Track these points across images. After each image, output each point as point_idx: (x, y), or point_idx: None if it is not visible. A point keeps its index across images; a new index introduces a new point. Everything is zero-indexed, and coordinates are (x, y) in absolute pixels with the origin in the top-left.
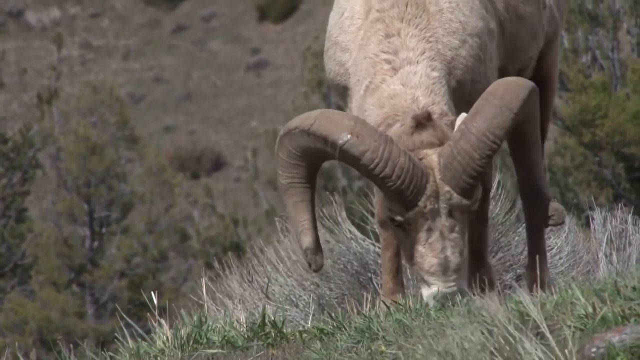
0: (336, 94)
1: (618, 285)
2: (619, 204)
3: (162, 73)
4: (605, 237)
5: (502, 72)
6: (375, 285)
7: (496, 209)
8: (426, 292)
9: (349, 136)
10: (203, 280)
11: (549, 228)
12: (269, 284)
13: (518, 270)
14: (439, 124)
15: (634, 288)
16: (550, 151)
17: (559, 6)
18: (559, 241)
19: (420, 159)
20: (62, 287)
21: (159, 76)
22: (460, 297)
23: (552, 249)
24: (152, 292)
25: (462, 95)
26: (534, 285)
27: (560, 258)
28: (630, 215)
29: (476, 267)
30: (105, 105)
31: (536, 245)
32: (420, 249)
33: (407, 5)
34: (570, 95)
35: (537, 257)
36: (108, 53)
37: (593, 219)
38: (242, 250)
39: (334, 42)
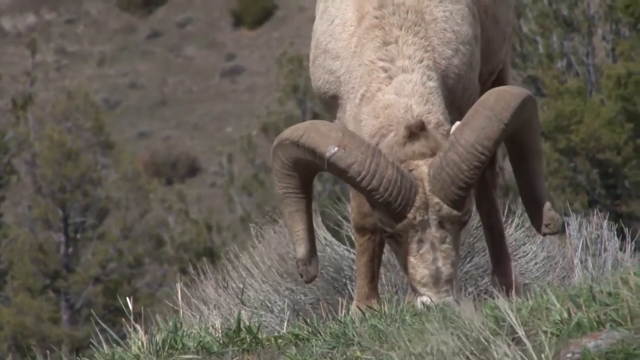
0: (322, 105)
1: (593, 290)
2: (594, 210)
3: (137, 79)
4: (581, 242)
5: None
6: (350, 291)
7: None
8: (419, 303)
9: (336, 148)
10: (178, 286)
11: (524, 235)
12: (244, 290)
13: (492, 276)
14: (432, 134)
15: (609, 293)
16: None
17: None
18: (534, 247)
19: (411, 170)
20: (37, 293)
21: (134, 82)
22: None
23: (527, 254)
24: (128, 298)
25: (453, 102)
26: (509, 291)
27: (535, 263)
28: (605, 221)
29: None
30: (80, 111)
31: (500, 250)
32: (412, 260)
33: (407, 13)
34: (546, 101)
35: (507, 262)
36: (83, 59)
37: (568, 224)
38: (216, 256)
39: (324, 50)
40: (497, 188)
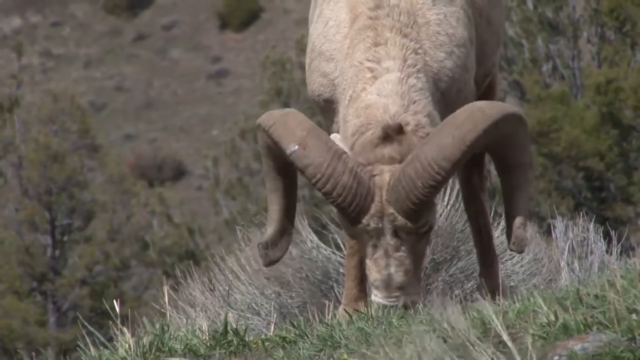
0: (319, 111)
1: (580, 293)
2: (581, 212)
3: (123, 81)
4: (567, 245)
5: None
6: (337, 293)
7: (456, 217)
8: (373, 300)
9: (296, 147)
10: (165, 289)
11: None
12: (231, 292)
13: (479, 279)
14: (408, 138)
15: (596, 296)
16: None
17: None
18: None
19: (374, 175)
20: (24, 296)
21: (119, 85)
22: (409, 308)
23: (513, 257)
24: (114, 300)
25: (447, 104)
26: (496, 293)
27: (522, 266)
28: (592, 224)
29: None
30: (66, 114)
31: (487, 252)
32: (367, 261)
33: (400, 15)
34: (528, 107)
35: (495, 265)
36: (69, 61)
37: (555, 227)
38: (199, 259)
39: (319, 52)
40: (485, 191)
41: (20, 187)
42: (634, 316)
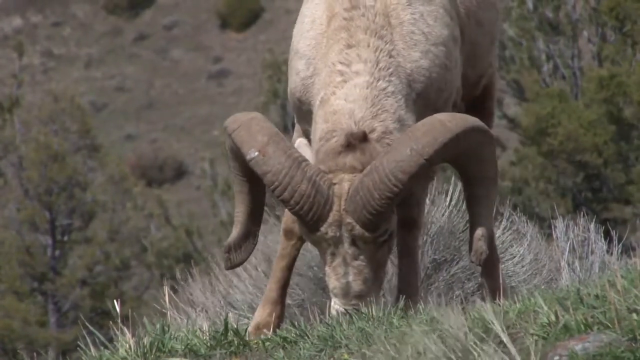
0: (294, 111)
1: (581, 293)
2: (581, 213)
3: (124, 82)
4: (568, 245)
5: (463, 79)
6: None
7: (457, 217)
8: (332, 309)
9: (256, 153)
10: (165, 289)
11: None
12: (231, 292)
13: (480, 279)
14: (371, 146)
15: (596, 296)
16: (510, 161)
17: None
18: (522, 249)
19: (334, 184)
20: (24, 296)
21: (120, 85)
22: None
23: (514, 257)
24: (115, 301)
25: (427, 104)
26: (497, 294)
27: (522, 266)
28: (592, 224)
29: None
30: (66, 114)
31: (490, 252)
32: (326, 269)
33: (375, 16)
34: (527, 106)
35: (496, 265)
36: (70, 61)
37: (555, 227)
38: (196, 260)
39: (295, 50)
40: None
41: (21, 187)
42: (634, 316)
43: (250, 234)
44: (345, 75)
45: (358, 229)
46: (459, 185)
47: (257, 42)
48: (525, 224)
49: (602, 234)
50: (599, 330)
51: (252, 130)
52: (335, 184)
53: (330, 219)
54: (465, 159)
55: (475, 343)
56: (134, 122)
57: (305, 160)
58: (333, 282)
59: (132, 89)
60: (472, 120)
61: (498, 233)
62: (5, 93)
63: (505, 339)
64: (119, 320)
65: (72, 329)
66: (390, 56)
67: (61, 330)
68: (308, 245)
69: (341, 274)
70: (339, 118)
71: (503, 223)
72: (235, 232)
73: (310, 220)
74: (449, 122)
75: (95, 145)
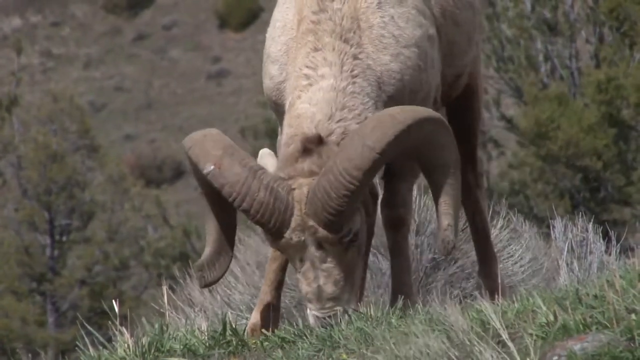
0: (275, 115)
1: (579, 293)
2: (579, 213)
3: (122, 81)
4: (566, 245)
5: (440, 78)
6: None
7: None
8: (309, 316)
9: (212, 167)
10: (164, 289)
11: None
12: (229, 292)
13: (478, 278)
14: (328, 149)
15: (595, 296)
16: (508, 163)
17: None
18: (520, 249)
19: (293, 189)
20: (23, 296)
21: (119, 85)
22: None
23: (512, 256)
24: (113, 301)
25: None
26: (495, 293)
27: (521, 266)
28: (590, 224)
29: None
30: (65, 114)
31: (485, 251)
32: (297, 275)
33: (343, 19)
34: (525, 109)
35: (493, 264)
36: (69, 61)
37: (554, 227)
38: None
39: (267, 54)
40: (482, 188)
41: (20, 187)
42: (633, 316)
43: (222, 251)
44: (311, 79)
45: (321, 231)
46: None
47: (256, 42)
48: (523, 224)
49: (601, 235)
50: (598, 330)
51: (206, 146)
52: (294, 189)
53: (292, 225)
54: (422, 149)
55: (476, 341)
56: (133, 122)
57: (262, 168)
58: (305, 288)
59: (131, 89)
60: (422, 111)
61: (495, 232)
62: (4, 93)
63: (505, 336)
64: (118, 320)
65: (71, 329)
66: (356, 58)
67: (60, 330)
68: None
69: (311, 278)
70: (301, 122)
71: (500, 222)
72: (208, 250)
73: (273, 227)
74: (399, 115)
75: (94, 145)
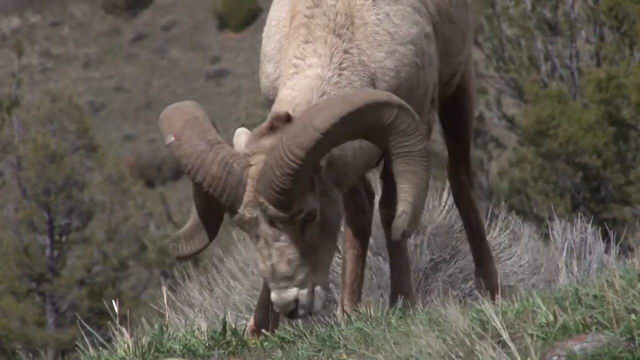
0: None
1: (579, 293)
2: (579, 213)
3: (122, 81)
4: (566, 245)
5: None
6: (335, 294)
7: (454, 216)
8: (271, 297)
9: (172, 138)
10: (164, 289)
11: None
12: (229, 293)
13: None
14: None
15: (595, 296)
16: (509, 161)
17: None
18: (519, 249)
19: (251, 165)
20: (22, 296)
21: (119, 85)
22: (302, 309)
23: (512, 257)
24: (113, 301)
25: None
26: (494, 293)
27: (520, 266)
28: (590, 225)
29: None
30: (65, 114)
31: (481, 250)
32: (255, 252)
33: (337, 15)
34: (526, 107)
35: (489, 263)
36: (68, 61)
37: (553, 228)
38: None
39: (263, 53)
40: (474, 187)
41: (19, 187)
42: (632, 316)
43: (203, 226)
44: (298, 68)
45: (271, 209)
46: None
47: (255, 42)
48: (521, 226)
49: (600, 235)
50: (598, 330)
51: (172, 117)
52: (252, 165)
53: (245, 200)
54: (379, 134)
55: (476, 341)
56: (132, 122)
57: (219, 143)
58: (260, 265)
59: (131, 89)
60: (380, 95)
61: (494, 234)
62: (4, 93)
63: (505, 336)
64: (117, 321)
65: (70, 329)
66: (347, 52)
67: (59, 331)
68: None
69: (265, 256)
70: (281, 106)
71: (499, 224)
72: (189, 223)
73: (226, 202)
74: (352, 96)
75: (94, 145)
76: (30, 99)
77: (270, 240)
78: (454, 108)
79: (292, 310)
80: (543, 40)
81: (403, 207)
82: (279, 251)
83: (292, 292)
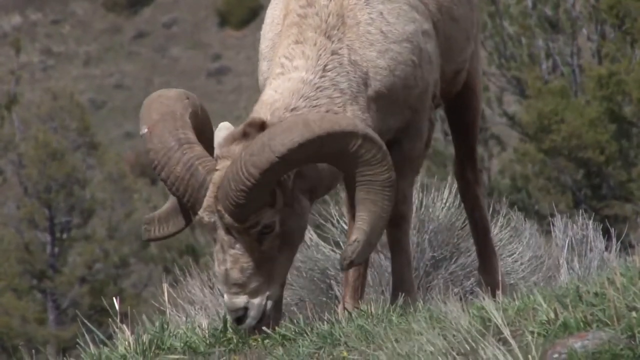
0: None
1: (580, 291)
2: (580, 210)
3: (123, 79)
4: (567, 243)
5: (439, 73)
6: (336, 291)
7: (456, 214)
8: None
9: (146, 130)
10: (165, 286)
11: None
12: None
13: (478, 275)
14: None
15: (595, 294)
16: (510, 158)
17: (477, 11)
18: (520, 247)
19: (215, 170)
20: (23, 293)
21: (119, 82)
22: (250, 318)
23: (512, 254)
24: (114, 298)
25: (395, 101)
26: (495, 290)
27: (521, 264)
28: (591, 222)
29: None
30: (65, 112)
31: (485, 247)
32: (213, 254)
33: (329, 16)
34: (529, 102)
35: (493, 260)
36: (69, 59)
37: (554, 225)
38: (199, 254)
39: (260, 51)
40: (481, 185)
41: (20, 185)
42: (633, 314)
43: (179, 210)
44: (285, 68)
45: (227, 217)
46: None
47: (256, 40)
48: (523, 222)
49: (601, 232)
50: (598, 327)
51: (152, 107)
52: (217, 170)
53: (204, 204)
54: (341, 162)
55: (477, 339)
56: (133, 119)
57: (189, 142)
58: (215, 268)
59: (131, 87)
60: (346, 124)
61: (495, 230)
62: (5, 91)
63: (506, 333)
64: (118, 318)
65: (71, 327)
66: (334, 53)
67: (60, 328)
68: (305, 245)
69: (220, 260)
70: (261, 108)
71: (500, 220)
72: (165, 205)
73: (188, 202)
74: (314, 123)
75: (94, 143)
76: (31, 96)
77: (225, 247)
78: (460, 106)
79: (240, 317)
80: (544, 38)
81: (356, 235)
82: (233, 258)
83: (242, 299)
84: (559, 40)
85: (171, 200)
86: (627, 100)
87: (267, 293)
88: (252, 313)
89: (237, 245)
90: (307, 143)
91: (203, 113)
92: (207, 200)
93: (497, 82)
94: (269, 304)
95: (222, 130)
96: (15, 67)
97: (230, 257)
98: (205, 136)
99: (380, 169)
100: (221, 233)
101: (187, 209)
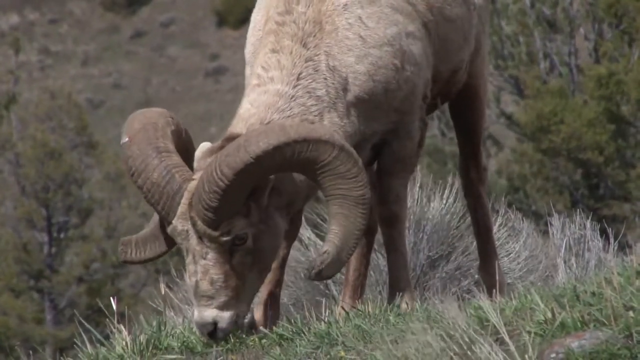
0: None
1: (577, 290)
2: (577, 210)
3: (120, 79)
4: (564, 242)
5: (435, 74)
6: (333, 291)
7: (451, 214)
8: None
9: (126, 139)
10: (162, 286)
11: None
12: None
13: (476, 276)
14: None
15: (593, 293)
16: (508, 158)
17: (481, 12)
18: (517, 246)
19: (192, 179)
20: (21, 293)
21: (117, 82)
22: (220, 332)
23: (510, 254)
24: (111, 298)
25: (378, 106)
26: (493, 290)
27: (518, 263)
28: (588, 221)
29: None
30: (63, 111)
31: (486, 246)
32: (186, 266)
33: (305, 23)
34: (527, 102)
35: (493, 259)
36: (67, 59)
37: (551, 224)
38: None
39: (245, 55)
40: (485, 184)
41: (18, 184)
42: (630, 314)
43: (159, 236)
44: (261, 80)
45: (200, 224)
46: (457, 184)
47: None
48: (521, 221)
49: (599, 232)
50: (596, 327)
51: (133, 120)
52: (194, 179)
53: (179, 211)
54: (316, 171)
55: (474, 338)
56: None
57: (167, 151)
58: (186, 279)
59: (129, 86)
60: (323, 133)
61: (494, 230)
62: (2, 90)
63: (503, 334)
64: (116, 318)
65: (69, 327)
66: (309, 60)
67: (57, 328)
68: (302, 244)
69: (191, 271)
70: (238, 122)
71: (498, 220)
72: (145, 229)
73: (162, 210)
74: (290, 128)
75: (92, 143)
76: (29, 96)
77: (197, 257)
78: (462, 106)
79: (210, 332)
80: (542, 37)
81: (327, 247)
82: (204, 269)
83: (211, 313)
84: (556, 40)
85: (152, 226)
86: (625, 100)
87: (236, 310)
88: (222, 326)
89: (209, 256)
90: (283, 146)
91: (187, 136)
92: (182, 207)
93: (494, 81)
94: (242, 322)
95: (204, 148)
96: (14, 67)
97: (200, 268)
98: (187, 157)
99: (355, 185)
100: (193, 242)
101: (162, 217)
